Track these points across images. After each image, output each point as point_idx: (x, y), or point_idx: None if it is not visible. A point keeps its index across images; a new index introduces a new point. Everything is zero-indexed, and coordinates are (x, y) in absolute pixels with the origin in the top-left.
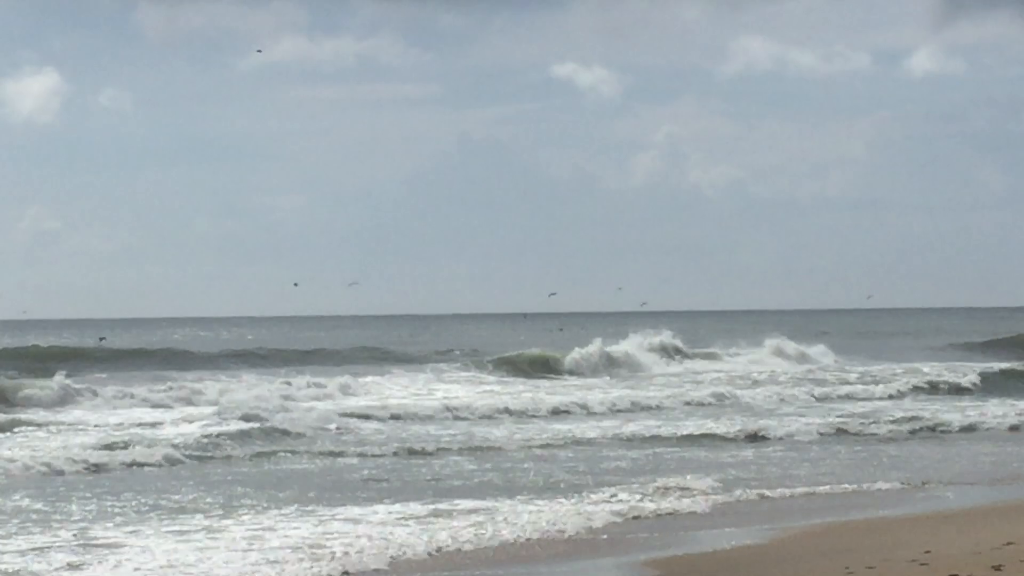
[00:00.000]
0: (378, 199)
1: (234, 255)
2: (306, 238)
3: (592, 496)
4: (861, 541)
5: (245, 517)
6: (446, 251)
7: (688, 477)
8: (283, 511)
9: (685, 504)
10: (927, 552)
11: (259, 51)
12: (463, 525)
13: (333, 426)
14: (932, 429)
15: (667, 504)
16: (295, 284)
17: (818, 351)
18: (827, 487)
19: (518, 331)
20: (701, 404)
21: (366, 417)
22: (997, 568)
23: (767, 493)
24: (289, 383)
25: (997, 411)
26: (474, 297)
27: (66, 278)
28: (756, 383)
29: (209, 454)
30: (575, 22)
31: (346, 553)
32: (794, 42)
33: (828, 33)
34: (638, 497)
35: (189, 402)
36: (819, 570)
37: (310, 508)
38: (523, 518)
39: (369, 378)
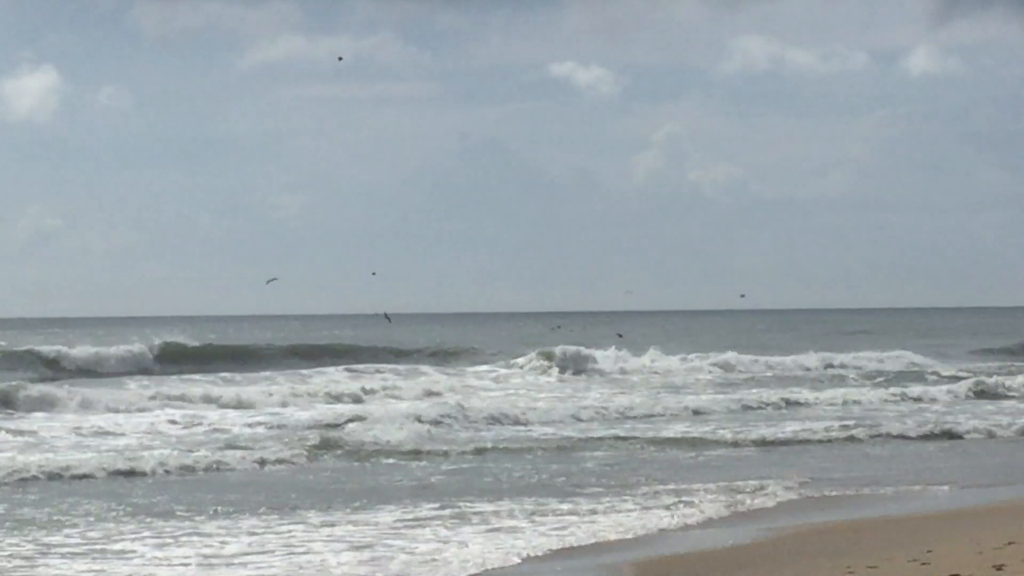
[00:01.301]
0: (376, 198)
1: (233, 254)
2: (305, 237)
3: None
4: (862, 541)
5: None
6: (444, 250)
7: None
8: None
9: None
10: (928, 551)
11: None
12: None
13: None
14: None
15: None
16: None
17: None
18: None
19: (524, 330)
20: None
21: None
22: (999, 568)
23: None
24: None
25: None
26: (472, 296)
27: (65, 276)
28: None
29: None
30: (573, 21)
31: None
32: (792, 41)
33: (826, 32)
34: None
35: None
36: (821, 569)
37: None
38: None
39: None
